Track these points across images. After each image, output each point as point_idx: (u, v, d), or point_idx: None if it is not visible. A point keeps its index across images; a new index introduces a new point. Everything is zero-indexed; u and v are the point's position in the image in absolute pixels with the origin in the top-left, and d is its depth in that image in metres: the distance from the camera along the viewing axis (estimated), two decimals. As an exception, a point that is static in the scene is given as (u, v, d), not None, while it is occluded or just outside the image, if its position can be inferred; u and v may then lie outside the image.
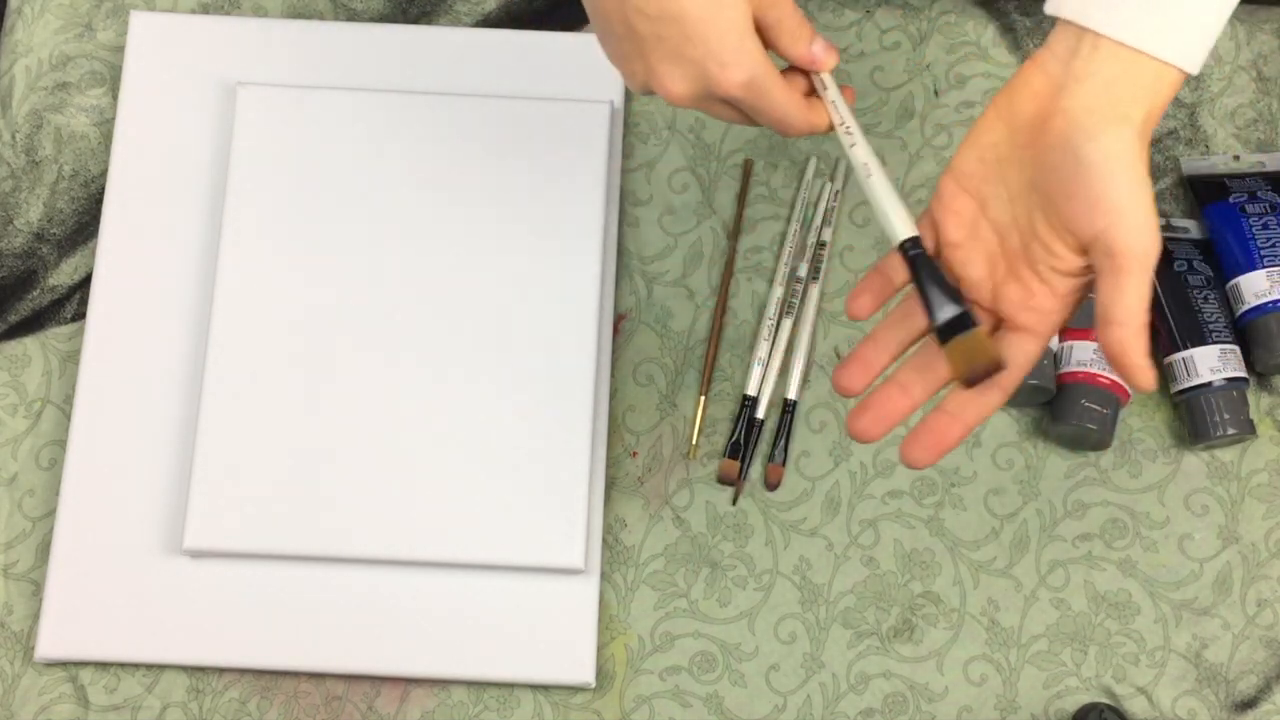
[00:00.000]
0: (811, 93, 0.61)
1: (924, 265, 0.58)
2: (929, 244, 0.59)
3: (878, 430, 0.58)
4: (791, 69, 0.61)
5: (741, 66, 0.57)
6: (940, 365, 0.58)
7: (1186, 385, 0.75)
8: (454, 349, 0.75)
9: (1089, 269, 0.56)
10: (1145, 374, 0.54)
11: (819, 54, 0.60)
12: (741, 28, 0.57)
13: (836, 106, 0.61)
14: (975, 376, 0.57)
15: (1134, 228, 0.53)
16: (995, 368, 0.57)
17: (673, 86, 0.58)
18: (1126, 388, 0.75)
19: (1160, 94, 0.54)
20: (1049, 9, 0.56)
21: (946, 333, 0.57)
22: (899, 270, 0.60)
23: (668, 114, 0.82)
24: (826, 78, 0.61)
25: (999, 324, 0.58)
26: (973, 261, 0.58)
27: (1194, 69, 0.55)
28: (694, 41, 0.57)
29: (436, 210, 0.77)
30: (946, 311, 0.57)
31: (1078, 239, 0.55)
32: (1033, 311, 0.57)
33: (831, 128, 0.61)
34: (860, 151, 0.60)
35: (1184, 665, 0.74)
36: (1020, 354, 0.57)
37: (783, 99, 0.59)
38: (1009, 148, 0.57)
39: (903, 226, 0.59)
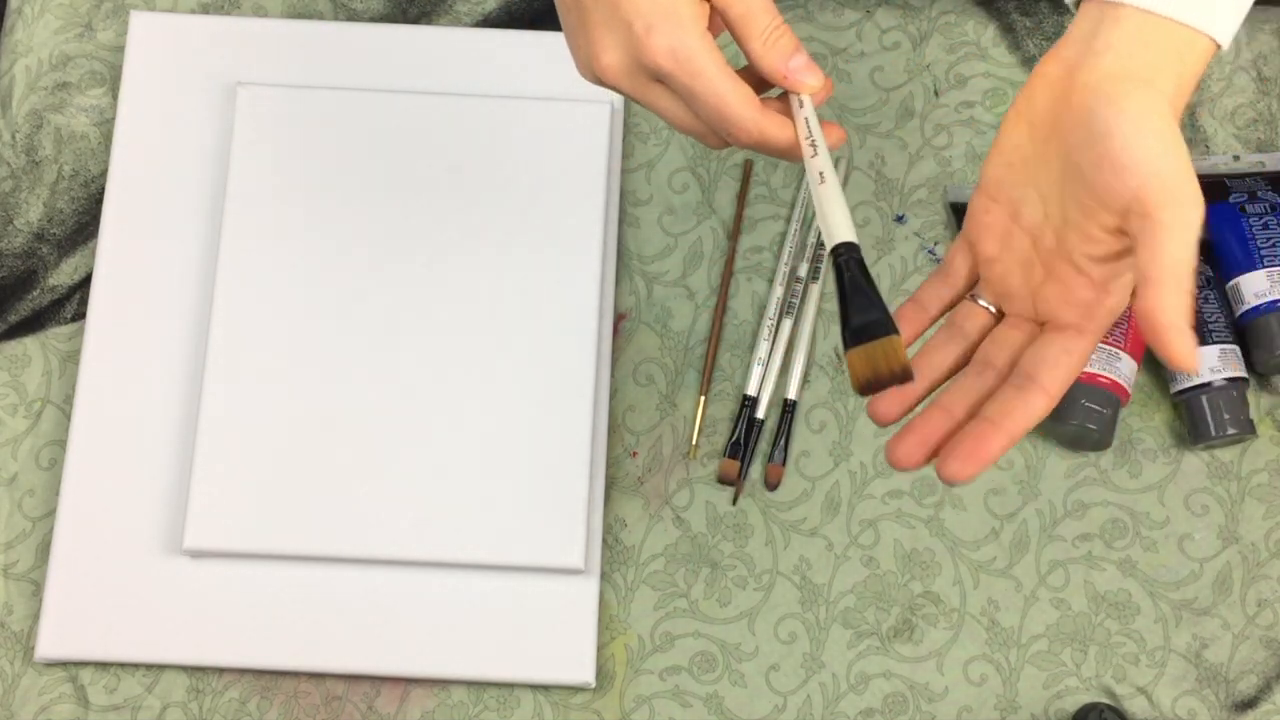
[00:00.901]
0: (785, 110, 0.57)
1: (855, 270, 0.53)
2: (962, 265, 0.57)
3: (920, 456, 0.54)
4: (780, 96, 0.57)
5: (666, 34, 0.52)
6: (983, 384, 0.55)
7: (1186, 385, 0.75)
8: (454, 349, 0.75)
9: (1126, 251, 0.52)
10: (1183, 340, 0.48)
11: (797, 71, 0.55)
12: None
13: (809, 124, 0.55)
14: (877, 382, 0.52)
15: (1167, 183, 0.49)
16: (901, 375, 0.52)
17: (605, 56, 0.54)
18: (1126, 388, 0.75)
19: (1189, 63, 0.52)
20: None
21: (857, 338, 0.52)
22: (934, 300, 0.57)
23: (668, 114, 0.82)
24: (805, 99, 0.56)
25: (1041, 328, 0.55)
26: (1010, 273, 0.56)
27: (1224, 39, 0.52)
28: (626, 3, 0.52)
29: (436, 210, 0.77)
30: (864, 316, 0.52)
31: (1114, 211, 0.51)
32: (1073, 306, 0.54)
33: (788, 151, 0.55)
34: (819, 162, 0.55)
35: (1184, 665, 0.74)
36: (1065, 353, 0.53)
37: (718, 86, 0.53)
38: (1032, 145, 0.55)
39: (841, 230, 0.54)
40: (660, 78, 0.54)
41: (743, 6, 0.54)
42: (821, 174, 0.55)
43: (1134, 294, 0.51)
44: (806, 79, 0.55)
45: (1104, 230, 0.52)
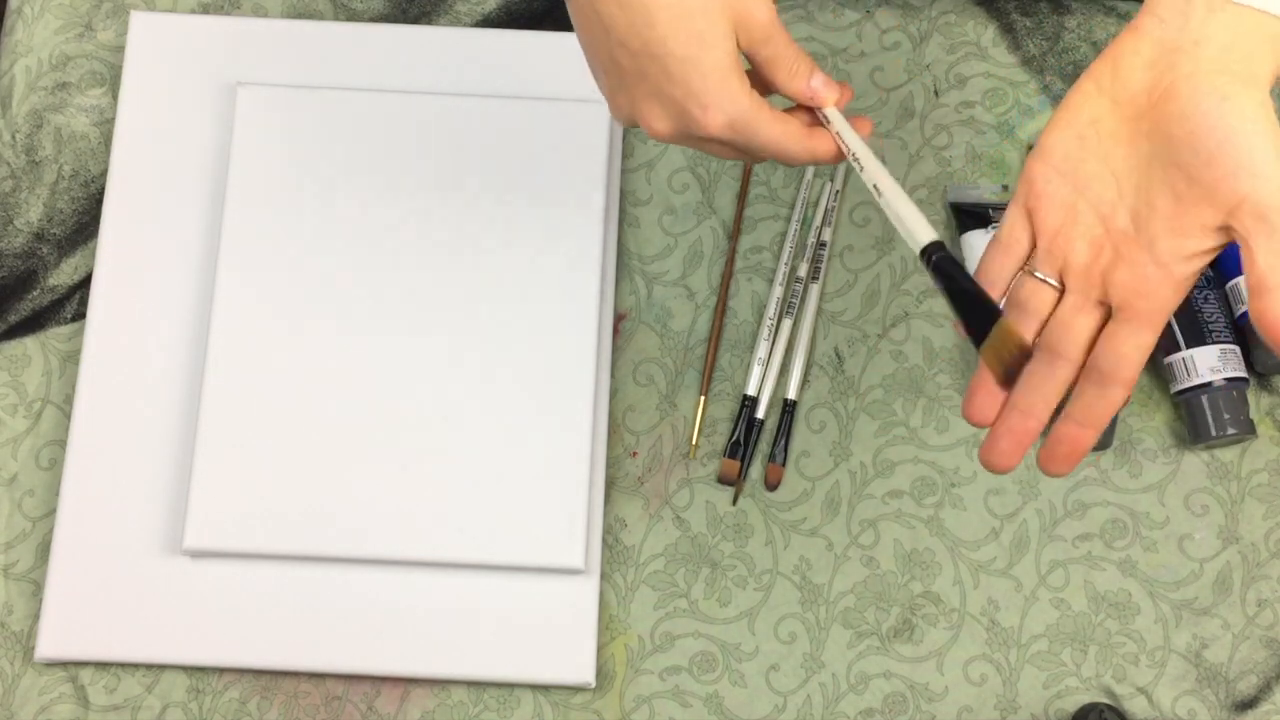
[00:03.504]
0: (816, 122, 0.60)
1: (948, 268, 0.55)
2: (1022, 234, 0.56)
3: (1017, 458, 0.55)
4: (797, 106, 0.60)
5: (723, 110, 0.56)
6: (1057, 377, 0.55)
7: (1186, 385, 0.75)
8: (453, 349, 0.75)
9: (1217, 248, 0.52)
10: None
11: (818, 89, 0.59)
12: (725, 68, 0.55)
13: (843, 138, 0.59)
14: (1011, 372, 0.54)
15: None
16: (1025, 356, 0.54)
17: (656, 124, 0.57)
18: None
19: None
20: None
21: (978, 338, 0.54)
22: (1000, 273, 0.57)
23: (668, 114, 0.82)
24: (831, 111, 0.59)
25: (1108, 314, 0.55)
26: (1074, 249, 0.55)
27: None
28: (675, 81, 0.55)
29: (436, 211, 0.77)
30: (973, 313, 0.54)
31: (1219, 208, 0.51)
32: (1147, 297, 0.53)
33: (840, 157, 0.59)
34: (869, 174, 0.58)
35: (1184, 665, 0.74)
36: (1137, 348, 0.54)
37: (773, 135, 0.57)
38: (1114, 122, 0.54)
39: (919, 233, 0.56)
40: (715, 140, 0.57)
41: (769, 50, 0.57)
42: (875, 186, 0.57)
43: (1251, 296, 0.51)
44: (827, 95, 0.59)
45: (1202, 227, 0.52)
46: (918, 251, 0.56)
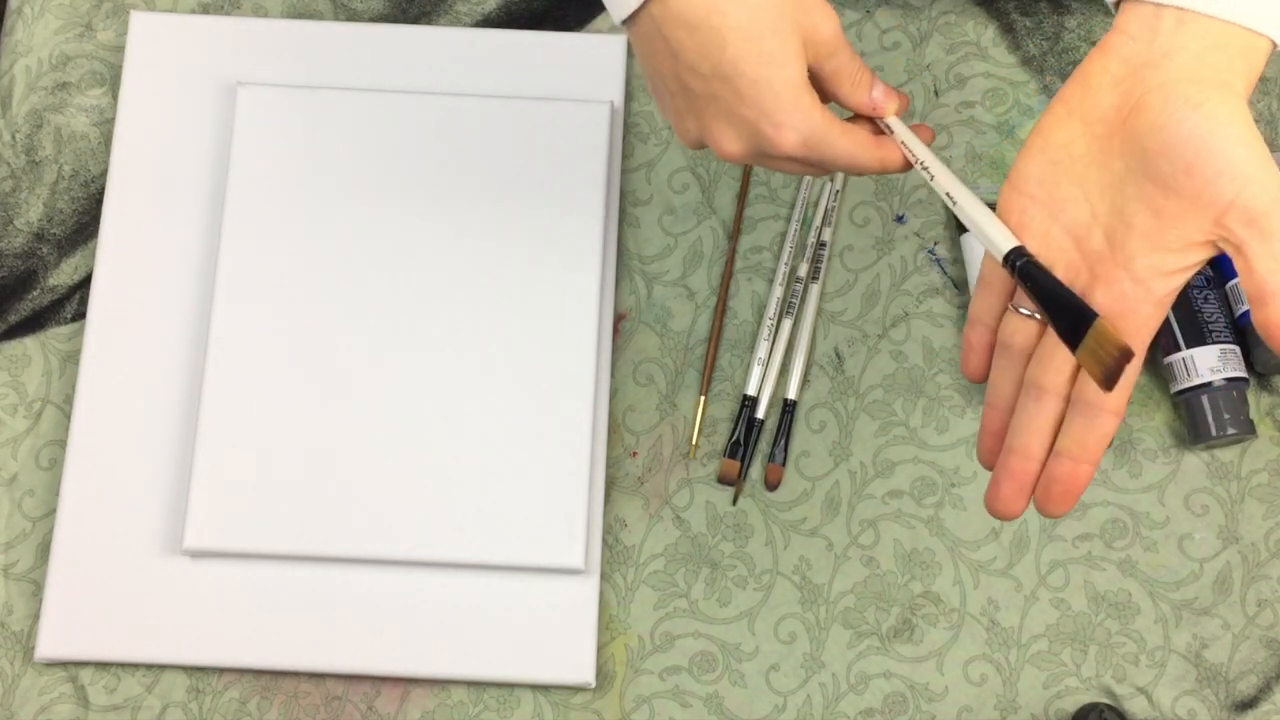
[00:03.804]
0: (879, 131, 0.60)
1: (1034, 273, 0.54)
2: (1000, 270, 0.56)
3: (1022, 503, 0.54)
4: (857, 116, 0.60)
5: (796, 128, 0.56)
6: (1045, 414, 0.54)
7: (1186, 385, 0.75)
8: (454, 349, 0.75)
9: (1198, 263, 0.52)
10: None
11: (879, 99, 0.59)
12: (797, 85, 0.56)
13: (908, 146, 0.59)
14: (1111, 374, 0.52)
15: (1267, 188, 0.49)
16: (1125, 356, 0.51)
17: (728, 145, 0.57)
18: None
19: (1253, 65, 0.51)
20: None
21: (1073, 341, 0.53)
22: (988, 313, 0.57)
23: (668, 114, 0.82)
24: (892, 120, 0.60)
25: None
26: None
27: None
28: (748, 102, 0.55)
29: (436, 211, 0.77)
30: (1066, 317, 0.53)
31: (1204, 218, 0.50)
32: (1127, 319, 0.52)
33: (907, 165, 0.59)
34: (941, 183, 0.58)
35: (1184, 665, 0.74)
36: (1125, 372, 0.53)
37: (845, 148, 0.57)
38: (1086, 143, 0.53)
39: (1003, 239, 0.55)
40: (788, 158, 0.58)
41: (833, 64, 0.57)
42: (949, 194, 0.57)
43: (1253, 306, 0.50)
44: (888, 105, 0.60)
45: (1184, 241, 0.51)
46: (1000, 259, 0.55)
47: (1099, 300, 0.53)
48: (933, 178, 0.58)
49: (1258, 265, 0.50)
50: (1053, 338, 0.54)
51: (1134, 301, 0.52)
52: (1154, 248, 0.52)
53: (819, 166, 0.59)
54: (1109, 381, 0.52)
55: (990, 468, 0.56)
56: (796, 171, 0.60)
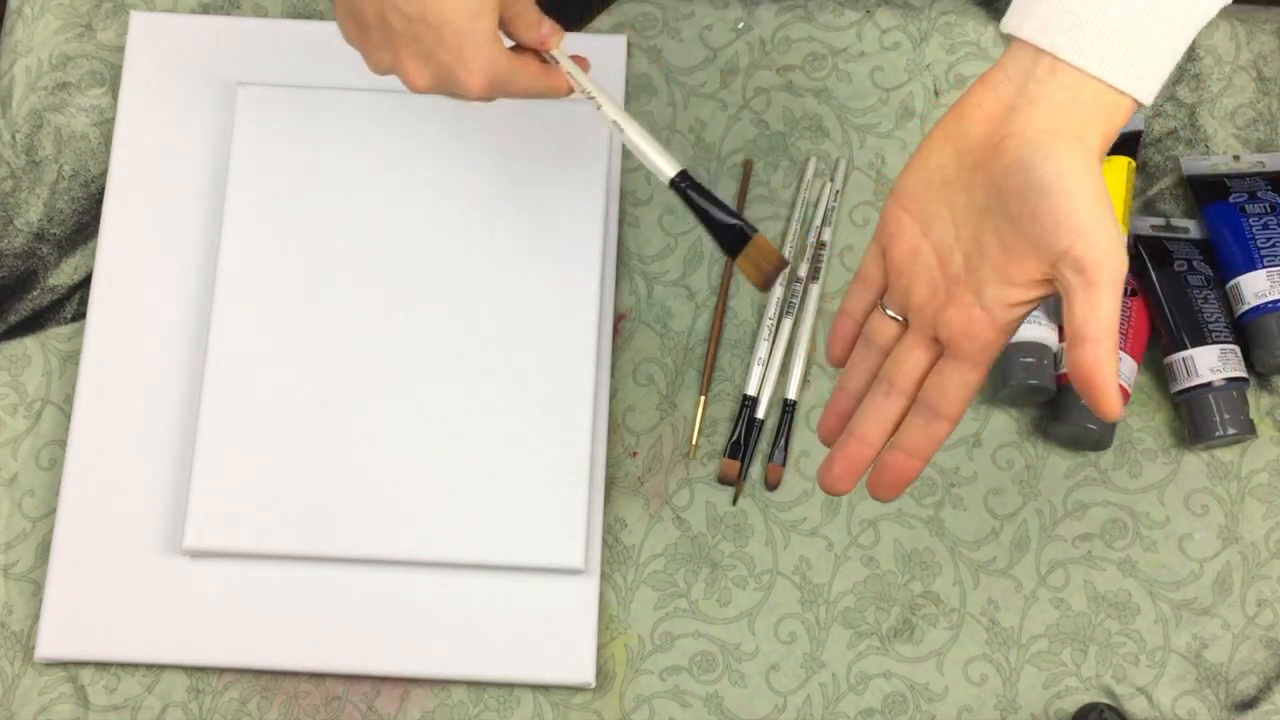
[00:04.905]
0: (546, 64, 0.66)
1: (697, 195, 0.63)
2: (876, 271, 0.59)
3: (851, 481, 0.59)
4: (526, 50, 0.66)
5: (485, 72, 0.61)
6: (890, 407, 0.58)
7: (1186, 385, 0.75)
8: (454, 349, 0.75)
9: (1039, 299, 0.55)
10: (1114, 395, 0.53)
11: (546, 34, 0.65)
12: (490, 36, 0.61)
13: (573, 75, 0.65)
14: (768, 279, 0.63)
15: (1102, 242, 0.52)
16: (781, 265, 0.63)
17: (417, 79, 0.62)
18: (1127, 388, 0.75)
19: (1114, 121, 0.54)
20: (1006, 27, 0.55)
21: (733, 249, 0.63)
22: (859, 307, 0.60)
23: (668, 115, 0.82)
24: (558, 53, 0.65)
25: (941, 351, 0.57)
26: (914, 289, 0.58)
27: (1148, 99, 0.54)
28: (447, 48, 0.60)
29: (436, 210, 0.77)
30: (727, 230, 0.63)
31: (1042, 260, 0.54)
32: (973, 340, 0.56)
33: (570, 90, 0.66)
34: (607, 111, 0.65)
35: (1184, 665, 0.74)
36: (962, 385, 0.57)
37: (521, 82, 0.64)
38: (956, 170, 0.56)
39: (667, 165, 0.63)
40: (477, 97, 0.64)
41: (515, 10, 0.63)
42: (615, 122, 0.65)
43: (1069, 345, 0.53)
44: (552, 39, 0.65)
45: (1027, 278, 0.55)
46: (667, 184, 0.63)
47: (950, 319, 0.56)
48: (599, 107, 0.65)
49: (1077, 311, 0.53)
50: (911, 339, 0.58)
51: (979, 326, 0.56)
52: (1000, 280, 0.55)
53: (496, 96, 0.64)
54: (766, 285, 0.64)
55: (828, 444, 0.60)
56: (473, 100, 0.65)
